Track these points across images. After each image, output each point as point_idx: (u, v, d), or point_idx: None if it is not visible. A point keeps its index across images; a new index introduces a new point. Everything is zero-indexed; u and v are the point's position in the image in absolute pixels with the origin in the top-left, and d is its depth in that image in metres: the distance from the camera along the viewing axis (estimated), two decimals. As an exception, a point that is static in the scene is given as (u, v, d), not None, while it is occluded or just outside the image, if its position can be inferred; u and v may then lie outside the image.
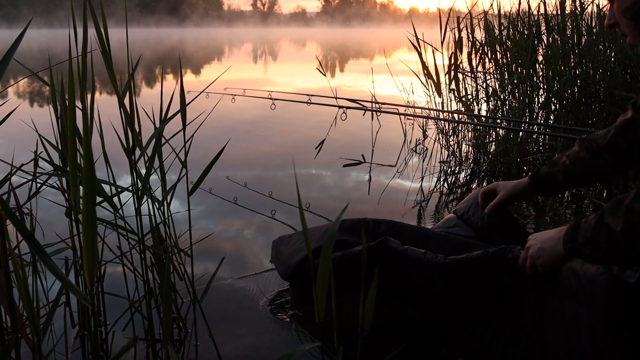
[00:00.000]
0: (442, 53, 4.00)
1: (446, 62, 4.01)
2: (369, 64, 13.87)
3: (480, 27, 4.00)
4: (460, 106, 4.03)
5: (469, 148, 3.84)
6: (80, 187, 1.15)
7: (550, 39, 3.83)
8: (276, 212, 2.54)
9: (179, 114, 1.36)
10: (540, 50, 3.80)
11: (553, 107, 3.77)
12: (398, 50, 16.85)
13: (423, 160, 3.59)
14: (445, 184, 3.11)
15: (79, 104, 1.20)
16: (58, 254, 1.28)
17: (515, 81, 3.77)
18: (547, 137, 3.62)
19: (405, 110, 3.68)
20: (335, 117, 3.85)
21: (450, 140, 3.91)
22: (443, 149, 3.84)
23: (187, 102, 1.36)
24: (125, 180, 2.65)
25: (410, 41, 4.06)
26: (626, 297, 1.07)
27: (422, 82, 4.09)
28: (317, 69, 3.96)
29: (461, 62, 4.03)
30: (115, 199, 1.34)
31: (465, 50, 4.02)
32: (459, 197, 2.85)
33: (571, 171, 1.45)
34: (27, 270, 1.13)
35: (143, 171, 1.34)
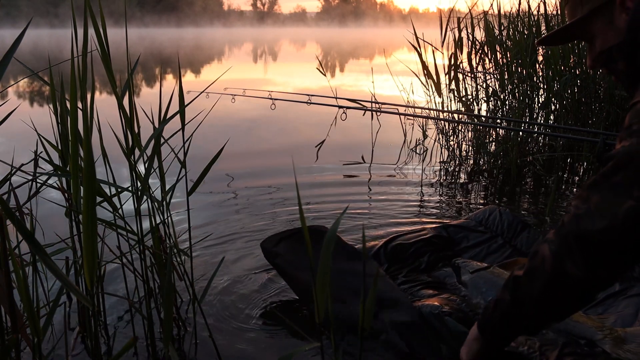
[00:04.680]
0: (442, 53, 3.99)
1: (446, 62, 4.00)
2: (369, 64, 13.87)
3: (480, 27, 3.99)
4: (460, 106, 4.02)
5: (469, 148, 3.83)
6: (81, 187, 1.15)
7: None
8: (276, 211, 2.54)
9: (178, 114, 1.36)
10: (540, 50, 3.79)
11: (553, 107, 3.76)
12: (398, 50, 16.84)
13: (423, 160, 3.59)
14: (445, 184, 3.10)
15: (79, 104, 1.20)
16: (58, 254, 1.28)
17: (515, 81, 3.76)
18: (547, 137, 3.62)
19: (405, 110, 3.68)
20: (335, 117, 3.85)
21: (450, 140, 3.91)
22: (443, 149, 3.84)
23: (186, 103, 1.36)
24: (125, 180, 2.65)
25: (410, 42, 4.06)
26: None
27: (422, 82, 4.09)
28: (317, 69, 3.96)
29: (461, 62, 4.02)
30: (115, 199, 1.34)
31: (465, 50, 4.01)
32: (459, 197, 2.86)
33: None
34: (27, 270, 1.13)
35: (143, 171, 1.34)
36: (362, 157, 3.66)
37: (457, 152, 3.76)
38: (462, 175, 3.30)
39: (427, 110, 3.81)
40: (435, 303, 1.43)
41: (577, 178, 3.26)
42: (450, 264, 1.79)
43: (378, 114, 3.92)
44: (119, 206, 1.34)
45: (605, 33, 1.04)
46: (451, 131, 4.03)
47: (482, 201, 2.78)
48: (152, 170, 1.34)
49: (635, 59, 1.01)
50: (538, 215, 2.52)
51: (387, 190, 2.91)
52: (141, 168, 1.35)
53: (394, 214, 2.50)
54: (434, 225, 1.99)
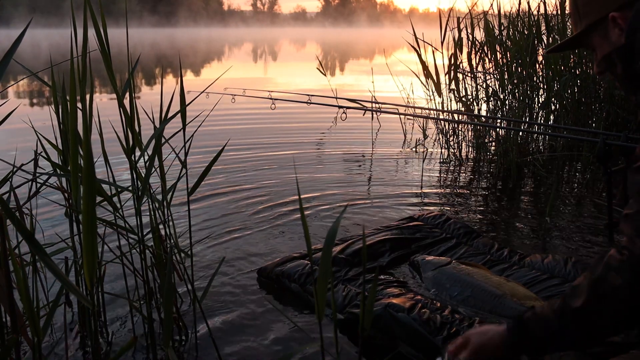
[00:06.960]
0: (442, 53, 3.99)
1: (446, 62, 4.00)
2: (369, 64, 13.87)
3: (480, 27, 3.99)
4: (460, 106, 4.02)
5: (469, 148, 3.83)
6: (81, 187, 1.15)
7: (550, 39, 3.83)
8: (277, 211, 2.54)
9: (179, 114, 1.36)
10: (540, 50, 3.79)
11: (553, 107, 3.76)
12: (398, 50, 16.84)
13: (423, 161, 3.58)
14: (445, 184, 3.10)
15: (79, 104, 1.20)
16: (58, 254, 1.28)
17: (515, 81, 3.76)
18: (547, 137, 3.61)
19: (405, 110, 3.68)
20: (336, 117, 3.85)
21: (450, 140, 3.91)
22: (443, 149, 3.84)
23: (187, 103, 1.36)
24: (125, 180, 2.65)
25: (409, 43, 4.05)
26: None
27: (422, 82, 4.09)
28: (317, 68, 3.97)
29: (461, 62, 4.02)
30: (115, 199, 1.34)
31: (465, 50, 4.01)
32: (459, 197, 2.85)
33: None
34: (27, 270, 1.13)
35: (143, 171, 1.34)
36: (363, 156, 3.66)
37: (457, 152, 3.76)
38: (462, 175, 3.29)
39: (427, 110, 3.81)
40: (399, 302, 1.48)
41: (577, 178, 3.26)
42: (409, 262, 1.88)
43: (378, 114, 3.92)
44: (119, 206, 1.33)
45: (602, 45, 1.09)
46: (451, 131, 4.02)
47: (482, 201, 2.78)
48: (153, 169, 1.34)
49: (632, 62, 1.03)
50: (538, 215, 2.52)
51: (387, 189, 2.91)
52: (142, 168, 1.35)
53: (394, 214, 2.50)
54: (392, 229, 2.11)
